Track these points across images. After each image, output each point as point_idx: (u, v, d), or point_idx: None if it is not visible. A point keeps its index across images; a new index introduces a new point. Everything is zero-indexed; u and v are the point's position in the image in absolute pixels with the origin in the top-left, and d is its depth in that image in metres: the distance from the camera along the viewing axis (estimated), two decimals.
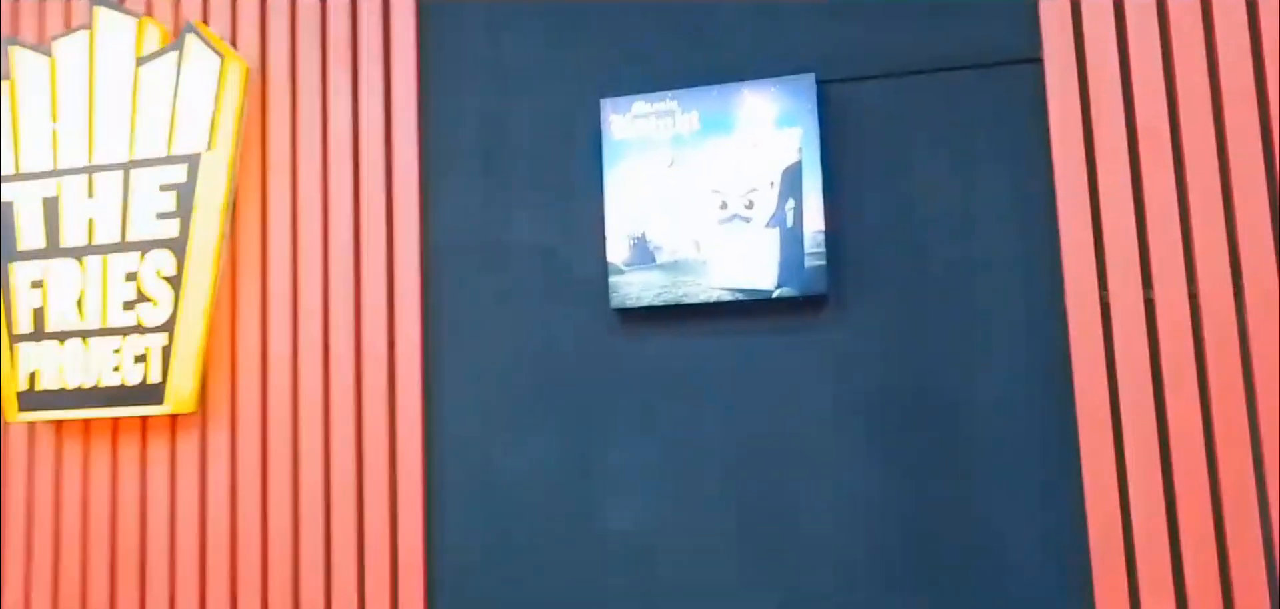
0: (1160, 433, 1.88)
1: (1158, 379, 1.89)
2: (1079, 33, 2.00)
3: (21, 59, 2.49)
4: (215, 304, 2.37)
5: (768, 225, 2.08)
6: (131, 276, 2.37)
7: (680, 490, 2.14)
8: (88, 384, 2.37)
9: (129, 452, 2.42)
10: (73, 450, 2.45)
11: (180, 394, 2.33)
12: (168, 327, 2.34)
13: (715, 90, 2.13)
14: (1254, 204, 1.87)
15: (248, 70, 2.42)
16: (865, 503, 2.04)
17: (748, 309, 2.12)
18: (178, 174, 2.36)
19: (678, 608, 2.11)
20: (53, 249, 2.42)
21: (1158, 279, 1.91)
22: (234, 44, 2.45)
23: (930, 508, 2.01)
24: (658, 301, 2.12)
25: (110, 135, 2.41)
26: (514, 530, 2.22)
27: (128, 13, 2.44)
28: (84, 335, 2.38)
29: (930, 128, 2.09)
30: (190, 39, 2.37)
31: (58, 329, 2.40)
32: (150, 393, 2.33)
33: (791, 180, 2.07)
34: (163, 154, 2.37)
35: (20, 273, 2.44)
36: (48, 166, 2.44)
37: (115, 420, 2.43)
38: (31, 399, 2.40)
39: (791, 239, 2.06)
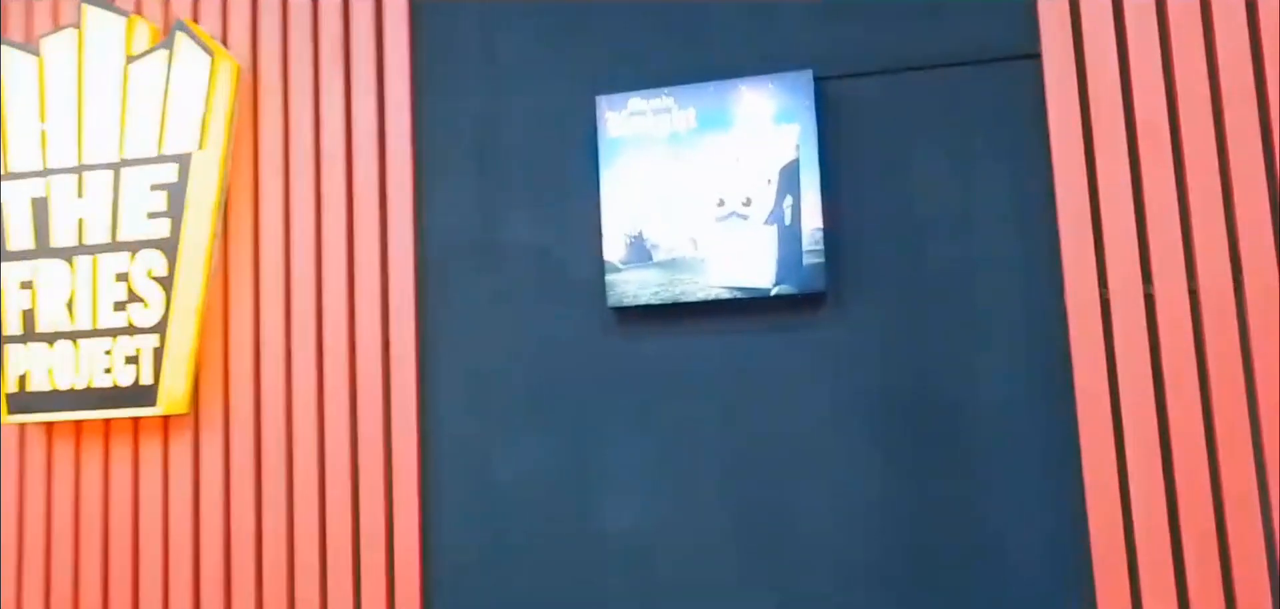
0: (1161, 431, 1.88)
1: (1158, 377, 1.89)
2: (1078, 28, 1.99)
3: (9, 58, 2.46)
4: (207, 304, 2.35)
5: (765, 223, 2.06)
6: (122, 277, 2.34)
7: (678, 490, 2.12)
8: (79, 386, 2.35)
9: (121, 454, 2.39)
10: (64, 453, 2.43)
11: (172, 395, 2.31)
12: (159, 327, 2.31)
13: (712, 87, 2.11)
14: (1254, 199, 1.86)
15: (239, 69, 2.39)
16: (864, 502, 2.03)
17: (745, 307, 2.11)
18: (168, 174, 2.33)
19: (675, 608, 2.10)
20: (42, 250, 2.40)
21: (1158, 276, 1.90)
22: (225, 42, 2.43)
23: (930, 507, 2.00)
24: (655, 300, 2.11)
25: (100, 135, 2.39)
26: (511, 531, 2.20)
27: (117, 11, 2.41)
28: (74, 337, 2.36)
29: (929, 124, 2.08)
30: (181, 37, 2.35)
31: (48, 330, 2.38)
32: (142, 394, 2.31)
33: (789, 177, 2.06)
34: (153, 154, 2.35)
35: (9, 274, 2.41)
36: (37, 166, 2.42)
37: (107, 422, 2.41)
38: (22, 401, 2.38)
39: (789, 237, 2.05)
